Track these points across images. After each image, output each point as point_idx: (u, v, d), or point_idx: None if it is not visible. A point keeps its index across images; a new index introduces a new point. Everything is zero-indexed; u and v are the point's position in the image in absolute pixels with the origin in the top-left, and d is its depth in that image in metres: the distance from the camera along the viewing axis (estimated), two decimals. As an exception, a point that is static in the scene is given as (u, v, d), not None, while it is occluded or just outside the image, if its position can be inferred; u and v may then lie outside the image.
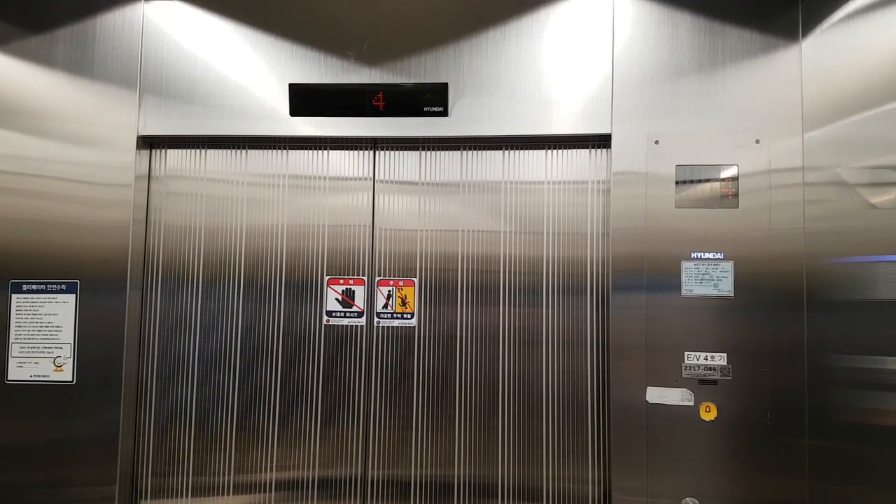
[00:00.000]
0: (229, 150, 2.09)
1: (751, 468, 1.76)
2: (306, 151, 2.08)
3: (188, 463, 2.03)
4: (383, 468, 1.98)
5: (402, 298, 2.03)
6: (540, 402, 1.95)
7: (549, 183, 2.00)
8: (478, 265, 2.00)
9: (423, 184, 2.05)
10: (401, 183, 2.05)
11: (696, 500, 1.76)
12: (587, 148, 1.99)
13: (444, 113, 1.94)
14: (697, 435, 1.79)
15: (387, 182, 2.05)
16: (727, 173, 1.83)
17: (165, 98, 2.02)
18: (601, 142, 1.96)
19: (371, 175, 2.06)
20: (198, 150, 2.10)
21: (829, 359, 1.71)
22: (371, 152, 2.07)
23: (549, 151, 2.00)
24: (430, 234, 2.03)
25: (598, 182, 1.98)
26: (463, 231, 2.02)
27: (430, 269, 2.02)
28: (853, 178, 1.67)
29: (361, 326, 2.03)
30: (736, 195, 1.82)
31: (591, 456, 1.91)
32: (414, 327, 2.01)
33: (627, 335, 1.83)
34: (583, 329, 1.95)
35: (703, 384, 1.79)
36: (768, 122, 1.83)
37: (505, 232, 2.00)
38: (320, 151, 2.08)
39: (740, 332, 1.79)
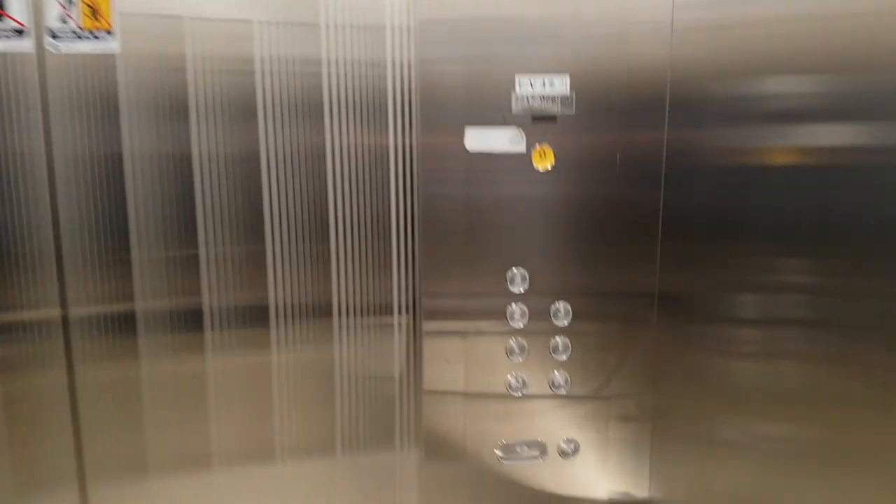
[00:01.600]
0: None
1: (592, 228, 1.34)
2: None
3: None
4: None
5: (90, 5, 1.24)
6: (326, 217, 1.33)
7: None
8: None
9: None
10: None
11: (524, 269, 1.30)
12: None
13: None
14: (528, 188, 1.31)
15: None
16: None
17: None
18: None
19: None
20: None
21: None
22: None
23: None
24: None
25: None
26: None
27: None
28: None
29: (26, 56, 1.21)
30: None
31: (396, 258, 1.37)
32: (115, 56, 1.25)
33: (439, 76, 1.26)
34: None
35: (538, 121, 1.30)
36: None
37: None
38: None
39: (588, 48, 1.29)
